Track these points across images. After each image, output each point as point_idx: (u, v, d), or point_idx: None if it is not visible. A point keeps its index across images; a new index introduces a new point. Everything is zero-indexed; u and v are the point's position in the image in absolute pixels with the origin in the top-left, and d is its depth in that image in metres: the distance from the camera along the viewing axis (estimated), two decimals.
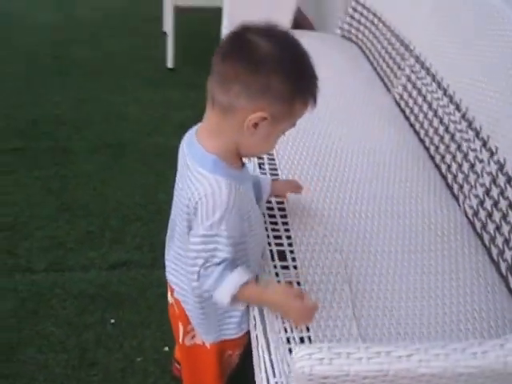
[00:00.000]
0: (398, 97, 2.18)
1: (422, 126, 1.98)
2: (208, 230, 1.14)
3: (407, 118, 2.09)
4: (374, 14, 2.47)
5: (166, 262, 1.42)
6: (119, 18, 4.30)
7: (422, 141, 1.97)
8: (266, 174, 1.72)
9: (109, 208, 2.41)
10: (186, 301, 1.37)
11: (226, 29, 2.70)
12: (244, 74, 1.08)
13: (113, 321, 1.95)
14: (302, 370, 0.84)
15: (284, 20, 2.75)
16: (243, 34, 1.12)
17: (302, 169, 1.78)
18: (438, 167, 1.85)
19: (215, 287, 1.16)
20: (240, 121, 1.12)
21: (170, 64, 3.48)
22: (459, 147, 1.74)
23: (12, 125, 2.94)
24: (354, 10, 2.61)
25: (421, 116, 1.99)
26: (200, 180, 1.15)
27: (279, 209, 1.57)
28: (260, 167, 1.79)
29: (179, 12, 3.40)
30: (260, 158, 1.80)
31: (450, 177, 1.78)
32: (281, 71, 1.08)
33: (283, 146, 1.85)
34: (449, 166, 1.79)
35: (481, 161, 1.63)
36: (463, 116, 1.74)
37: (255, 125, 1.12)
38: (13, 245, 2.21)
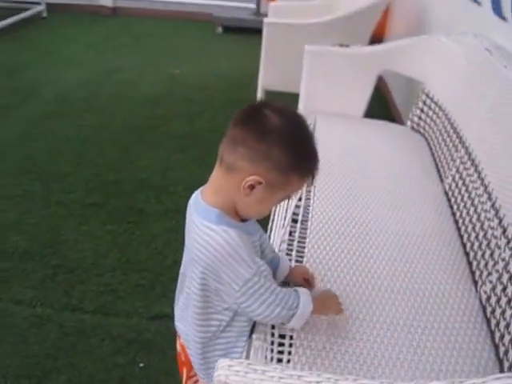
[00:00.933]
0: (447, 187, 2.24)
1: (461, 215, 2.03)
2: (250, 270, 1.25)
3: (451, 207, 2.14)
4: (440, 107, 2.57)
5: (175, 311, 1.52)
6: (218, 99, 4.64)
7: (458, 229, 2.01)
8: (293, 241, 1.85)
9: (164, 266, 2.57)
10: (189, 346, 1.46)
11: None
12: (250, 140, 1.22)
13: (142, 364, 2.07)
14: (219, 378, 0.94)
15: (358, 109, 2.90)
16: (259, 106, 1.27)
17: (331, 239, 1.88)
18: (467, 254, 1.88)
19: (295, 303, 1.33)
20: (239, 181, 1.24)
21: None
22: (485, 235, 1.78)
23: (98, 182, 3.23)
24: (424, 103, 2.72)
25: (462, 207, 2.05)
26: (208, 233, 1.26)
27: None
28: (290, 234, 1.92)
29: (268, 95, 3.69)
30: (294, 222, 1.93)
31: (474, 263, 1.80)
32: (282, 145, 1.21)
33: (317, 205, 1.97)
34: (475, 253, 1.82)
35: (499, 247, 1.66)
36: (496, 213, 1.78)
37: (251, 187, 1.24)
38: (70, 286, 2.42)
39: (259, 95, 3.76)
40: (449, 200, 2.19)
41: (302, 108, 2.93)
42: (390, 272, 1.77)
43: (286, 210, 2.04)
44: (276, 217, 2.00)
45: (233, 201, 1.29)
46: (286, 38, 3.44)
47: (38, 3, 6.75)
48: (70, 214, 2.92)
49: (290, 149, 1.23)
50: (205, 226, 1.27)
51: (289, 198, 1.35)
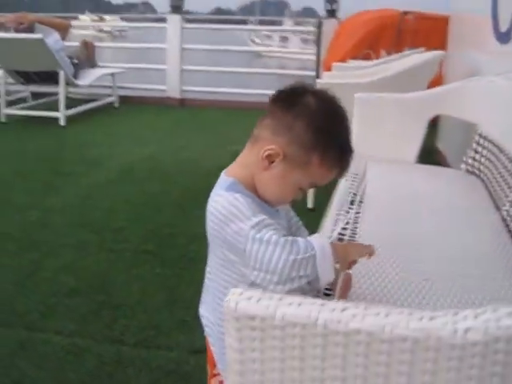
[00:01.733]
0: (505, 213, 2.04)
1: None
2: (251, 222, 1.10)
3: (510, 232, 1.94)
4: (498, 147, 2.40)
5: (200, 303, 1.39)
6: None
7: None
8: None
9: None
10: (211, 341, 1.32)
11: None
12: (278, 111, 1.16)
13: None
14: (228, 305, 0.78)
15: (410, 153, 2.75)
16: (300, 87, 1.20)
17: (379, 261, 1.69)
18: None
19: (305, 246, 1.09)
20: (259, 151, 1.16)
21: (310, 204, 3.57)
22: None
23: (152, 235, 3.16)
24: (478, 144, 2.55)
25: None
26: (216, 200, 1.16)
27: None
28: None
29: None
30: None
31: None
32: (309, 120, 1.13)
33: (365, 227, 1.79)
34: None
35: None
36: None
37: (269, 158, 1.15)
38: (113, 320, 2.30)
39: None
40: (507, 226, 1.97)
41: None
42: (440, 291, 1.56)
43: (333, 230, 1.88)
44: (321, 234, 1.84)
45: (252, 175, 1.20)
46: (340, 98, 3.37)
47: (110, 95, 6.98)
48: (121, 260, 2.84)
49: (316, 125, 1.14)
50: (216, 194, 1.19)
51: (311, 186, 1.22)
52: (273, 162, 1.16)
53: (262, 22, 11.98)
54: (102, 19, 22.23)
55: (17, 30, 5.99)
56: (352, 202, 2.19)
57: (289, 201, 1.25)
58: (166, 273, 2.71)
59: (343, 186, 2.36)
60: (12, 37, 5.83)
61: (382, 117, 2.77)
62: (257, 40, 33.60)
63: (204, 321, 1.34)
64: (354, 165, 2.62)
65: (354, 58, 5.48)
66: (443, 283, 1.53)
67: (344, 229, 1.93)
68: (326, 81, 3.67)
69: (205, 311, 1.33)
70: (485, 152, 2.49)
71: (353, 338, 0.74)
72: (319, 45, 6.49)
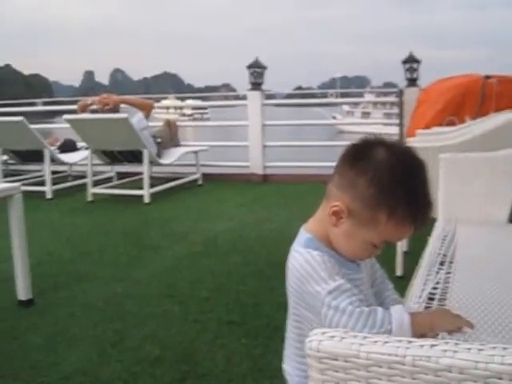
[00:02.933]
0: None
1: None
2: (329, 287, 1.11)
3: None
4: None
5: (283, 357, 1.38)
6: None
7: None
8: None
9: None
10: None
11: (440, 223, 2.71)
12: (344, 166, 1.17)
13: None
14: (310, 345, 0.77)
15: (501, 212, 2.67)
16: (371, 140, 1.20)
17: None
18: None
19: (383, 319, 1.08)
20: (328, 207, 1.18)
21: (399, 272, 3.49)
22: None
23: (237, 305, 3.17)
24: None
25: None
26: (294, 256, 1.20)
27: None
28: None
29: None
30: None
31: None
32: (372, 174, 1.12)
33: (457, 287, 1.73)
34: None
35: None
36: None
37: (336, 214, 1.16)
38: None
39: None
40: None
41: (440, 218, 2.74)
42: None
43: (423, 290, 1.83)
44: (410, 294, 1.80)
45: (326, 230, 1.21)
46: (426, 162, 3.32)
47: (194, 173, 7.19)
48: (205, 330, 2.85)
49: (380, 180, 1.11)
50: (294, 250, 1.21)
51: (385, 243, 1.19)
52: (341, 218, 1.16)
53: (342, 96, 12.13)
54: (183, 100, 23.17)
55: (102, 111, 6.35)
56: (442, 263, 2.13)
57: (364, 257, 1.24)
58: (250, 342, 2.68)
59: (432, 247, 2.31)
60: (98, 117, 6.18)
61: (469, 177, 2.72)
62: (338, 117, 33.99)
63: (285, 375, 1.33)
64: (442, 226, 2.59)
65: (439, 125, 5.43)
66: None
67: (434, 288, 1.87)
68: (412, 145, 3.64)
69: (286, 365, 1.34)
70: None
71: (444, 375, 0.71)
72: (401, 114, 6.51)
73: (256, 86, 7.51)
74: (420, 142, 3.95)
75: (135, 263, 4.02)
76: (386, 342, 0.74)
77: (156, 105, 7.93)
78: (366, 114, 33.86)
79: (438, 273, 2.02)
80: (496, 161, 2.68)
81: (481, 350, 0.71)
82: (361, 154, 1.15)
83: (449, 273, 2.01)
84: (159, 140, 6.63)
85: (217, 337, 2.77)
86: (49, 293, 3.42)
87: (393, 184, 1.10)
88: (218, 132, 15.75)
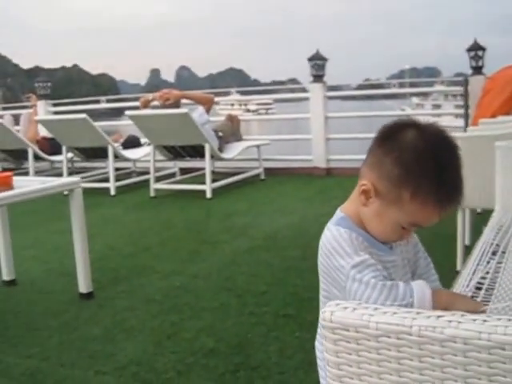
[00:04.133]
0: None
1: None
2: (353, 261, 1.17)
3: None
4: None
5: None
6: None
7: None
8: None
9: None
10: (319, 363, 1.37)
11: (497, 213, 2.69)
12: (374, 145, 1.23)
13: None
14: (324, 316, 0.83)
15: None
16: (404, 121, 1.24)
17: None
18: None
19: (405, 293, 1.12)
20: (359, 187, 1.23)
21: (459, 266, 3.46)
22: None
23: (293, 299, 3.24)
24: None
25: None
26: (324, 233, 1.25)
27: None
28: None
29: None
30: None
31: None
32: (398, 153, 1.16)
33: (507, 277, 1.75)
34: None
35: None
36: None
37: (365, 193, 1.21)
38: (250, 381, 2.38)
39: (459, 214, 3.54)
40: None
41: (498, 208, 2.72)
42: None
43: (470, 280, 1.84)
44: (457, 285, 1.81)
45: (358, 210, 1.26)
46: (482, 151, 3.27)
47: (257, 167, 7.28)
48: (261, 323, 2.92)
49: (405, 159, 1.15)
50: (326, 228, 1.26)
51: (413, 225, 1.22)
52: (370, 198, 1.21)
53: (411, 87, 11.91)
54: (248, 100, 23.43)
55: (164, 107, 6.52)
56: (494, 253, 2.13)
57: (394, 239, 1.26)
58: (304, 336, 2.73)
59: (485, 238, 2.31)
60: (159, 113, 6.36)
61: None
62: (407, 109, 33.38)
63: (316, 351, 1.38)
64: (499, 217, 2.57)
65: (505, 114, 5.30)
66: None
67: (483, 278, 1.88)
68: (468, 134, 3.60)
69: (316, 341, 1.40)
70: None
71: (449, 346, 0.76)
72: (466, 104, 6.39)
73: (317, 78, 7.54)
74: (480, 130, 3.89)
75: (194, 257, 4.13)
76: (395, 313, 0.79)
77: (218, 99, 8.05)
78: (436, 107, 33.11)
79: (488, 263, 2.03)
80: None
81: (485, 321, 0.75)
82: (390, 134, 1.19)
83: (500, 263, 2.01)
84: (221, 134, 6.75)
85: (271, 330, 2.83)
86: (109, 286, 3.57)
87: (417, 164, 1.13)
88: (284, 126, 15.85)
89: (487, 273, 1.92)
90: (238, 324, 2.92)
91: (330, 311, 0.82)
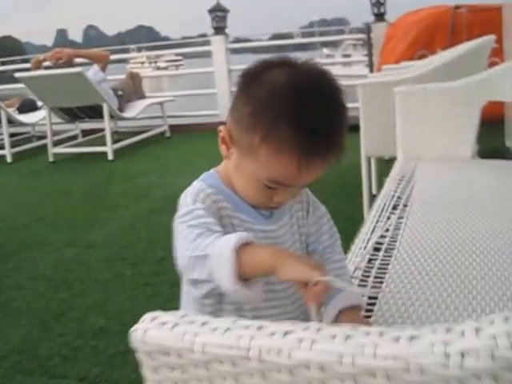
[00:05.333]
0: None
1: None
2: (182, 210, 1.00)
3: None
4: None
5: None
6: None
7: None
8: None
9: None
10: None
11: (399, 162, 2.52)
12: (236, 85, 1.00)
13: None
14: (135, 336, 0.58)
15: (465, 147, 2.48)
16: (279, 60, 0.99)
17: (423, 264, 1.47)
18: None
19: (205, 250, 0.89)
20: None
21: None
22: None
23: None
24: None
25: None
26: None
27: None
28: (370, 262, 1.52)
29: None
30: None
31: None
32: (251, 92, 0.95)
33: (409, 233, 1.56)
34: None
35: None
36: None
37: (225, 143, 1.01)
38: None
39: (363, 163, 3.37)
40: None
41: (400, 157, 2.55)
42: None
43: (369, 239, 1.65)
44: (354, 245, 1.61)
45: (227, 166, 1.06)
46: (384, 98, 3.10)
47: (161, 125, 6.95)
48: (157, 294, 2.67)
49: (257, 97, 0.93)
50: None
51: (275, 183, 0.96)
52: (230, 148, 1.01)
53: (321, 35, 11.72)
54: (157, 56, 22.80)
55: (56, 66, 6.05)
56: (395, 207, 1.95)
57: (263, 201, 1.02)
58: None
59: (386, 190, 2.13)
60: (51, 73, 5.88)
61: (427, 111, 2.51)
62: (318, 60, 33.22)
63: None
64: (401, 166, 2.40)
65: (409, 60, 5.20)
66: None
67: (382, 237, 1.69)
68: (368, 81, 3.42)
69: None
70: None
71: (301, 374, 0.52)
72: (370, 52, 6.24)
73: (219, 30, 7.22)
74: (381, 76, 3.72)
75: (91, 225, 3.82)
76: (228, 330, 0.55)
77: (127, 56, 7.61)
78: (346, 56, 33.24)
79: (389, 218, 1.84)
80: (457, 91, 2.47)
81: (349, 337, 0.52)
82: (253, 72, 0.97)
83: (401, 218, 1.83)
84: (121, 93, 6.35)
85: (168, 301, 2.59)
86: None
87: (271, 102, 0.90)
88: (195, 82, 15.37)
89: (387, 230, 1.74)
90: (132, 297, 2.67)
91: (143, 329, 0.58)
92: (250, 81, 0.96)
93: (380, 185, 3.36)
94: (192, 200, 0.98)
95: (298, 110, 0.89)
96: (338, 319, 1.08)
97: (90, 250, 3.35)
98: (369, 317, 1.22)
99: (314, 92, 0.92)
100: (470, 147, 2.46)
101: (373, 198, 3.29)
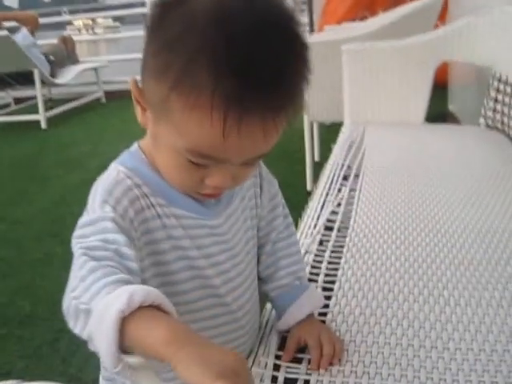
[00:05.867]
0: None
1: None
2: (85, 219, 0.74)
3: None
4: None
5: None
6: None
7: None
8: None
9: None
10: None
11: (346, 127, 2.34)
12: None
13: None
14: None
15: (416, 111, 2.31)
16: None
17: (383, 244, 1.29)
18: None
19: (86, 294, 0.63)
20: None
21: (309, 186, 3.15)
22: None
23: None
24: (498, 91, 2.10)
25: None
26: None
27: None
28: (321, 244, 1.33)
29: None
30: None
31: None
32: (165, 24, 0.67)
33: (363, 209, 1.37)
34: None
35: None
36: None
37: (138, 103, 0.75)
38: (71, 352, 1.92)
39: (306, 129, 3.18)
40: None
41: (347, 122, 2.36)
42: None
43: (319, 217, 1.46)
44: (303, 225, 1.42)
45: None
46: (328, 59, 2.89)
47: (96, 91, 6.60)
48: None
49: (169, 30, 0.66)
50: None
51: (198, 154, 0.69)
52: (145, 111, 0.74)
53: None
54: (94, 21, 21.96)
55: None
56: (346, 178, 1.76)
57: (190, 186, 0.76)
58: None
59: (335, 157, 1.94)
60: None
61: (377, 72, 2.33)
62: None
63: None
64: (349, 132, 2.21)
65: (351, 21, 5.00)
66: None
67: (334, 213, 1.50)
68: (313, 40, 3.21)
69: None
70: (507, 99, 2.04)
71: None
72: (311, 11, 5.99)
73: None
74: (324, 36, 3.52)
75: (20, 199, 3.54)
76: None
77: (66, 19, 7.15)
78: None
79: (340, 190, 1.66)
80: (408, 49, 2.29)
81: None
82: (164, 2, 0.68)
83: (353, 190, 1.65)
84: (52, 58, 5.95)
85: None
86: None
87: (186, 32, 0.64)
88: (135, 46, 14.79)
89: (339, 205, 1.55)
90: (60, 278, 2.40)
91: None
92: (163, 12, 0.67)
93: (322, 152, 3.19)
94: (101, 200, 0.72)
95: (226, 39, 0.62)
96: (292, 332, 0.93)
97: (17, 227, 3.08)
98: (324, 314, 1.04)
99: (255, 16, 0.64)
100: (422, 112, 2.30)
101: (316, 165, 3.13)
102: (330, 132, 3.36)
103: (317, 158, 3.34)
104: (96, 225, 0.69)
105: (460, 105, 3.69)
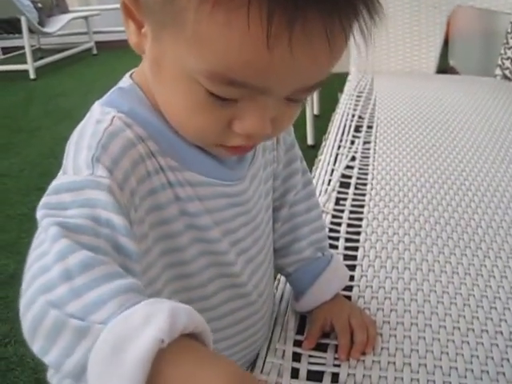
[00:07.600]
0: None
1: None
2: (69, 179, 0.50)
3: None
4: None
5: None
6: None
7: None
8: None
9: None
10: None
11: (353, 76, 2.12)
12: None
13: None
14: None
15: (428, 61, 2.10)
16: None
17: (406, 204, 1.09)
18: None
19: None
20: None
21: (310, 140, 2.94)
22: None
23: None
24: None
25: None
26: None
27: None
28: (337, 203, 1.13)
29: None
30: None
31: None
32: None
33: (381, 163, 1.17)
34: None
35: None
36: None
37: (130, 15, 0.51)
38: None
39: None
40: None
41: (353, 71, 2.15)
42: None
43: (332, 171, 1.26)
44: (314, 181, 1.22)
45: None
46: None
47: (88, 41, 6.29)
48: None
49: None
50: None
51: (227, 80, 0.44)
52: (142, 27, 0.51)
53: None
54: None
55: None
56: (358, 129, 1.56)
57: (212, 136, 0.51)
58: None
59: (344, 108, 1.73)
60: None
61: (386, 16, 2.09)
62: None
63: None
64: (356, 81, 2.00)
65: None
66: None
67: (349, 167, 1.31)
68: None
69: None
70: None
71: None
72: None
73: None
74: None
75: (7, 151, 3.30)
76: None
77: None
78: None
79: (353, 143, 1.46)
80: None
81: None
82: None
83: (367, 142, 1.45)
84: (40, 5, 5.62)
85: None
86: None
87: None
88: None
89: (353, 159, 1.35)
90: None
91: None
92: None
93: (324, 104, 2.97)
94: (90, 156, 0.49)
95: None
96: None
97: (3, 180, 2.86)
98: (349, 288, 0.85)
99: None
100: (433, 61, 2.08)
101: (316, 118, 2.93)
102: (328, 83, 3.14)
103: (316, 112, 3.13)
104: (81, 192, 0.45)
105: (462, 59, 3.46)
